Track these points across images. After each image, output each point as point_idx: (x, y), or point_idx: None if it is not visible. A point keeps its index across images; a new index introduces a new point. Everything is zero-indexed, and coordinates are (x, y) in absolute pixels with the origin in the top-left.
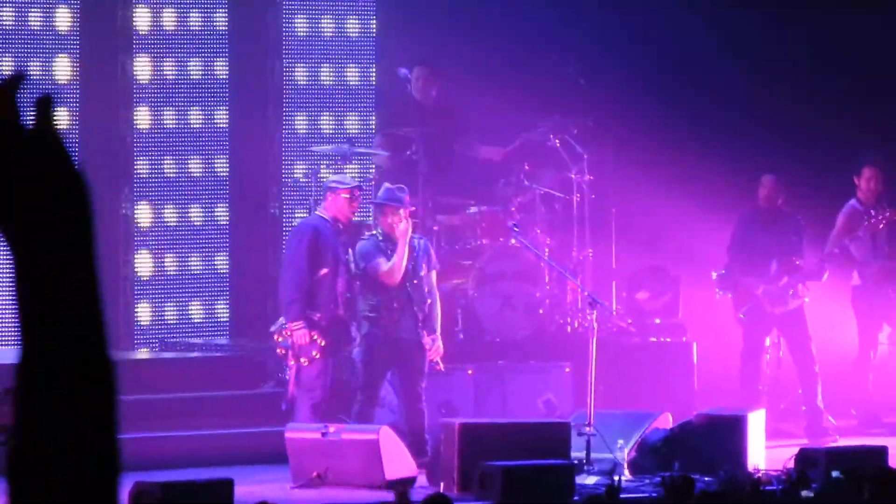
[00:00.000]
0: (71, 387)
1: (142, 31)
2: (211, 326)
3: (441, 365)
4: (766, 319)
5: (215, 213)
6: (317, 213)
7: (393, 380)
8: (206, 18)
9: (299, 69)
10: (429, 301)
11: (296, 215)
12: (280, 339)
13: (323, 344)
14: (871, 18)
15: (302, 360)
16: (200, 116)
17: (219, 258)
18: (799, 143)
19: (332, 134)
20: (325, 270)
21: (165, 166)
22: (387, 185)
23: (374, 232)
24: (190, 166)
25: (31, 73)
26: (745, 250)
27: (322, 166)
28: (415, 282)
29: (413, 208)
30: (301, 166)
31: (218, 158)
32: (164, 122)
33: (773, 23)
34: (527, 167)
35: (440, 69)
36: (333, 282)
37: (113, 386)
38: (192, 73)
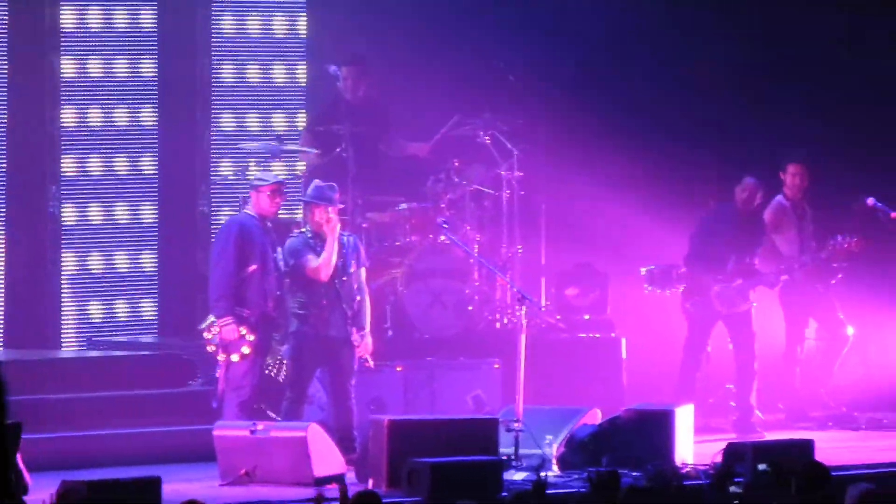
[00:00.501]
0: None
1: (68, 29)
2: (138, 325)
3: (370, 362)
4: (712, 315)
5: (142, 212)
6: (244, 210)
7: (322, 377)
8: (134, 17)
9: (227, 68)
10: (358, 298)
11: (225, 213)
12: (209, 336)
13: (251, 339)
14: (797, 12)
15: (232, 356)
16: (127, 115)
17: (146, 256)
18: (727, 139)
19: (260, 132)
20: (253, 267)
21: (91, 165)
22: (316, 182)
23: (304, 229)
24: (116, 165)
25: None
26: (708, 246)
27: (251, 164)
28: (344, 279)
29: (342, 206)
30: (229, 164)
31: (145, 157)
32: (91, 120)
33: (707, 18)
34: (456, 164)
35: (369, 67)
36: (263, 279)
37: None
38: (118, 71)
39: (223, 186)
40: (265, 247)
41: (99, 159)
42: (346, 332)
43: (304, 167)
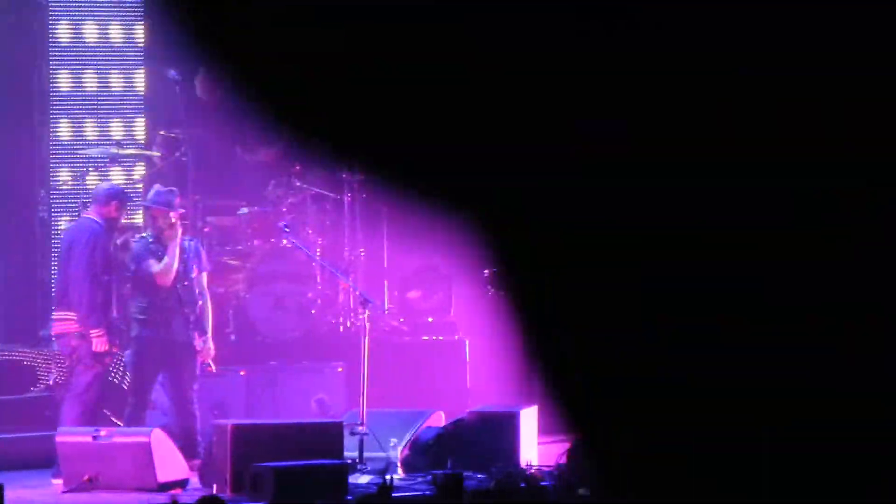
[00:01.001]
0: None
1: None
2: None
3: (213, 366)
4: None
5: None
6: (87, 216)
7: (164, 382)
8: None
9: (63, 75)
10: (200, 302)
11: (63, 219)
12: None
13: (115, 354)
14: None
15: (98, 367)
16: None
17: None
18: None
19: (97, 140)
20: (106, 277)
21: None
22: (157, 187)
23: (145, 234)
24: None
25: None
26: None
27: (90, 169)
28: (185, 283)
29: (183, 210)
30: (67, 171)
31: None
32: None
33: None
34: (297, 167)
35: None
36: (109, 285)
37: None
38: None
39: (62, 193)
40: (110, 253)
41: None
42: (188, 336)
43: (145, 171)
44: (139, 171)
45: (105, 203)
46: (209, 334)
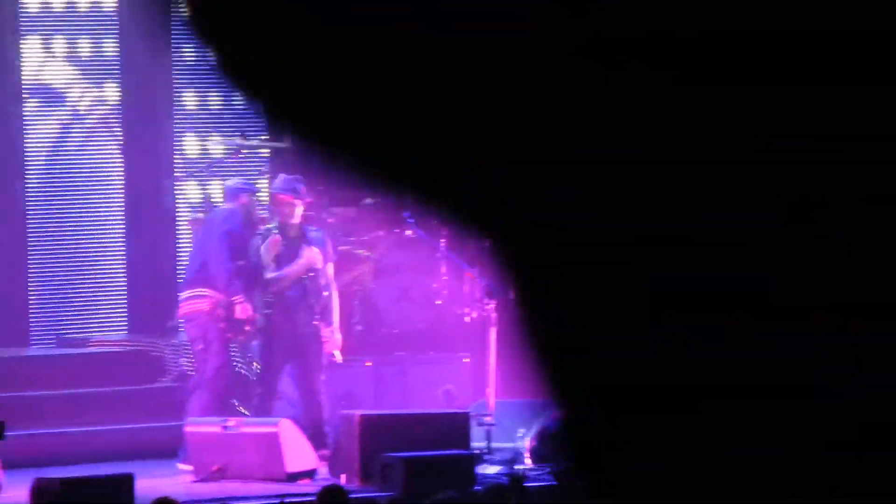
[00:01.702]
0: None
1: None
2: (107, 322)
3: (339, 357)
4: None
5: (108, 208)
6: (225, 205)
7: (291, 373)
8: None
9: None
10: (325, 294)
11: (187, 213)
12: (181, 326)
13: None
14: None
15: (240, 336)
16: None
17: (114, 254)
18: None
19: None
20: (240, 263)
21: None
22: (283, 175)
23: (270, 226)
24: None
25: None
26: None
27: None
28: (311, 275)
29: (310, 199)
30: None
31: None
32: None
33: None
34: None
35: None
36: (247, 274)
37: None
38: None
39: (189, 188)
40: (245, 242)
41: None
42: (314, 327)
43: (270, 161)
44: (264, 161)
45: (234, 198)
46: (336, 325)
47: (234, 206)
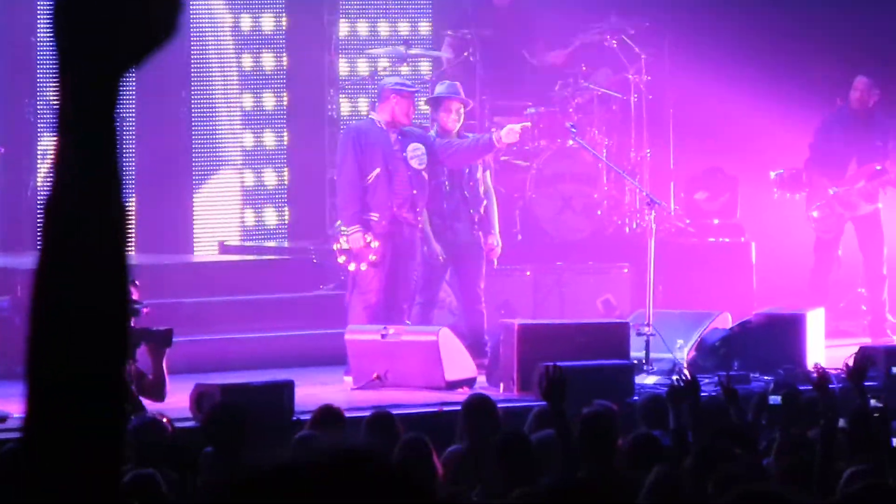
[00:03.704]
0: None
1: None
2: (269, 230)
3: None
4: (838, 219)
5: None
6: (370, 115)
7: (452, 281)
8: None
9: None
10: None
11: (352, 119)
12: (336, 247)
13: (376, 246)
14: None
15: (361, 265)
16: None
17: (276, 164)
18: (858, 38)
19: (386, 40)
20: (377, 171)
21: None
22: (447, 81)
23: (431, 132)
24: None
25: None
26: (825, 150)
27: (378, 67)
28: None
29: (471, 103)
30: (359, 65)
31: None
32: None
33: None
34: (584, 68)
35: None
36: (389, 182)
37: None
38: None
39: (351, 93)
40: (389, 149)
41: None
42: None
43: (432, 71)
44: (426, 70)
45: (385, 98)
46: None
47: (382, 113)
